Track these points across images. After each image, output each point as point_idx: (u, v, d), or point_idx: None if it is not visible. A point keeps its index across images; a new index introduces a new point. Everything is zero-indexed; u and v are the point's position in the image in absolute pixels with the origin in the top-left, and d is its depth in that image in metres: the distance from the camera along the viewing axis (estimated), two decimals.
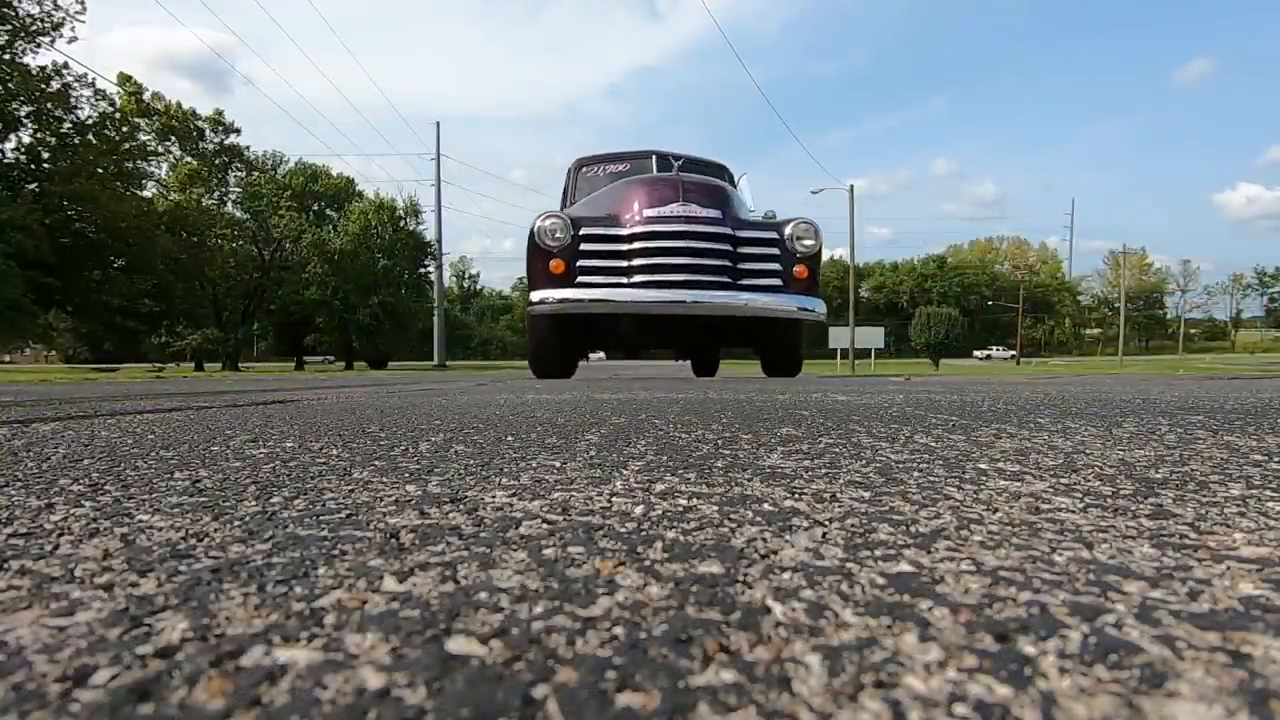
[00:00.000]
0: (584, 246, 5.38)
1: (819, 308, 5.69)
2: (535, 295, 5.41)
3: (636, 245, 5.38)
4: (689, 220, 5.36)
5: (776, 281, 5.53)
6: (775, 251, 5.56)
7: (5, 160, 20.95)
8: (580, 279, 5.35)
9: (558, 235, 5.39)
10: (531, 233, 5.44)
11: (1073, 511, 0.66)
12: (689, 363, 9.63)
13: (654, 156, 6.81)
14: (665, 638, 0.37)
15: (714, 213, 5.44)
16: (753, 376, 6.41)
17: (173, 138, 30.96)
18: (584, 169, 7.12)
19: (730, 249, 5.45)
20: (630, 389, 3.09)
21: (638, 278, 5.34)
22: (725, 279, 5.40)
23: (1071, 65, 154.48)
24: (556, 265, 5.33)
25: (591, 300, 5.29)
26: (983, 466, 0.92)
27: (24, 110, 20.55)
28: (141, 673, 0.33)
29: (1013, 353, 62.46)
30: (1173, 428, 1.37)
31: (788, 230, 5.61)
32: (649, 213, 5.41)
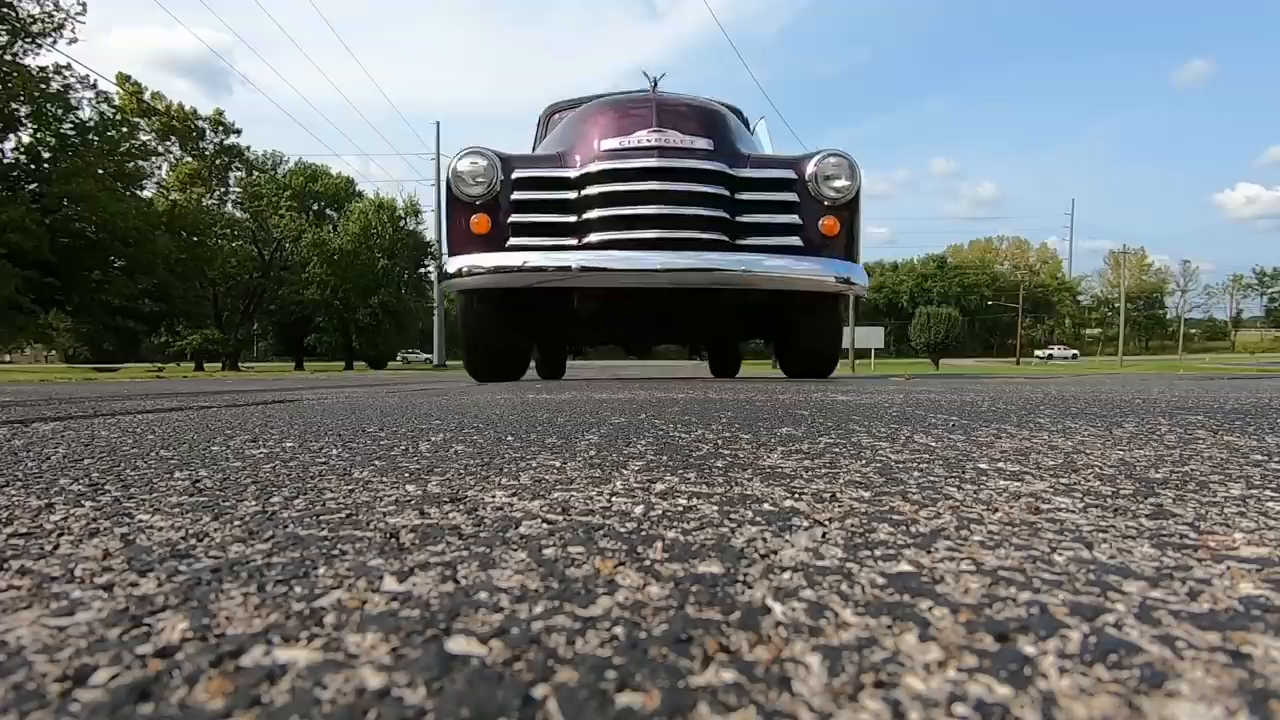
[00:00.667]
0: (517, 195, 3.88)
1: (859, 277, 4.03)
2: (450, 264, 3.95)
3: (591, 191, 3.81)
4: (664, 153, 3.78)
5: (794, 240, 3.93)
6: (793, 197, 3.95)
7: (5, 161, 20.98)
8: (512, 240, 3.86)
9: (480, 179, 3.85)
10: (446, 179, 3.97)
11: (1073, 511, 0.66)
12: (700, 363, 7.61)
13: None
14: (665, 638, 0.37)
15: (702, 142, 3.88)
16: (754, 375, 6.21)
17: (173, 138, 31.00)
18: (556, 116, 5.37)
19: (726, 194, 3.86)
20: (630, 389, 3.09)
21: (592, 236, 3.80)
22: (719, 236, 3.83)
23: (1071, 65, 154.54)
24: (479, 222, 3.87)
25: (524, 269, 3.75)
26: (983, 466, 0.92)
27: (24, 110, 20.58)
28: (141, 673, 0.33)
29: (1074, 352, 63.61)
30: (1173, 428, 1.37)
31: (810, 167, 3.95)
32: (608, 144, 3.86)
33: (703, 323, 4.78)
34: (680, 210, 3.78)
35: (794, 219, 3.95)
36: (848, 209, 4.04)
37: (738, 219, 3.91)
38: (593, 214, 3.82)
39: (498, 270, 3.80)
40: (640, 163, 3.78)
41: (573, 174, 3.90)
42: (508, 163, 3.94)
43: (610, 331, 5.08)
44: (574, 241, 3.85)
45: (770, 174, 3.99)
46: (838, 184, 3.97)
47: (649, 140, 3.83)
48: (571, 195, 3.88)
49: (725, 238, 3.86)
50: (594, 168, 3.83)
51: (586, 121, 4.13)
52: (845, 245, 4.04)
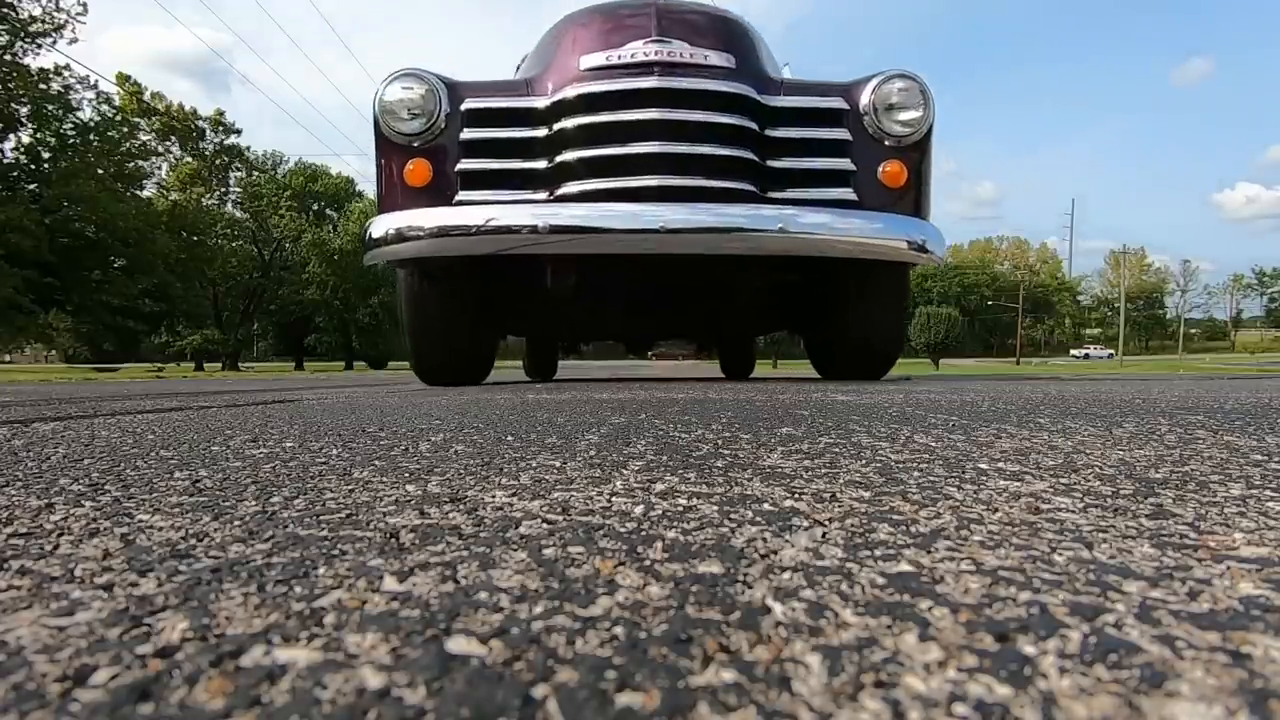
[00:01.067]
0: (469, 134, 2.91)
1: (935, 242, 3.02)
2: (376, 226, 2.92)
3: (566, 124, 2.85)
4: (668, 70, 2.81)
5: (846, 191, 2.95)
6: (843, 135, 2.96)
7: (5, 161, 21.02)
8: (462, 194, 2.89)
9: (416, 111, 2.88)
10: (373, 113, 2.95)
11: (1073, 511, 0.66)
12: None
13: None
14: (665, 637, 0.37)
15: (720, 59, 2.90)
16: (755, 375, 6.14)
17: (173, 138, 31.04)
18: None
19: (754, 128, 2.89)
20: (630, 389, 3.09)
21: (569, 186, 2.86)
22: (742, 184, 2.87)
23: (1071, 65, 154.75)
24: (416, 170, 2.90)
25: (479, 231, 2.75)
26: (983, 466, 0.92)
27: (24, 110, 20.62)
28: (141, 673, 0.33)
29: (1110, 351, 63.92)
30: (1173, 428, 1.37)
31: (866, 95, 2.95)
32: (591, 61, 2.89)
33: (720, 305, 3.72)
34: (690, 149, 2.81)
35: (845, 163, 2.95)
36: (917, 150, 3.00)
37: (768, 163, 2.94)
38: (569, 155, 2.86)
39: (441, 233, 2.80)
40: (635, 83, 2.79)
41: (542, 103, 2.90)
42: (455, 90, 2.94)
43: (591, 309, 3.89)
44: (544, 194, 2.90)
45: (812, 103, 2.97)
46: (905, 116, 2.94)
47: (647, 54, 2.82)
48: (541, 132, 2.92)
49: (752, 187, 2.90)
50: (570, 93, 2.84)
51: (563, 35, 3.12)
52: (915, 199, 3.02)
